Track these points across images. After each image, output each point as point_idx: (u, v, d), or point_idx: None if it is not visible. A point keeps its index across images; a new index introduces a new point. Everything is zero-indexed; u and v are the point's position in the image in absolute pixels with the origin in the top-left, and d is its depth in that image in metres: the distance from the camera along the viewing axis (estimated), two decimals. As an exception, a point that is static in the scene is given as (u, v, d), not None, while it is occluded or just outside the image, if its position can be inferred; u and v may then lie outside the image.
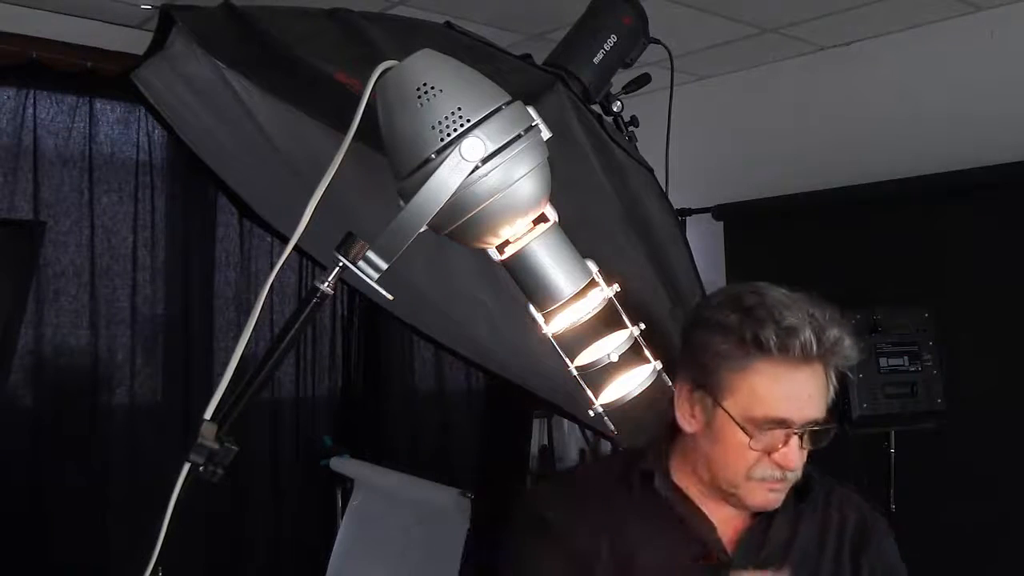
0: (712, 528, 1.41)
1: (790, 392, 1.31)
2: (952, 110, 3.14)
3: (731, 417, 1.32)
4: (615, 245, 1.61)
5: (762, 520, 1.42)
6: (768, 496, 1.36)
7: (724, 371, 1.32)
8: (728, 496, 1.38)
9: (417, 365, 4.07)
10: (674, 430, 1.46)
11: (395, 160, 1.07)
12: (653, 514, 1.41)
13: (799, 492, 1.43)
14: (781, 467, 1.33)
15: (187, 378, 3.45)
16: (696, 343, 1.35)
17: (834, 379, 1.36)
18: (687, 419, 1.38)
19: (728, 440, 1.33)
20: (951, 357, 2.74)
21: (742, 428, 1.31)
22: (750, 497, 1.36)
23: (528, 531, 1.46)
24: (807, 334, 1.29)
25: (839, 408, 2.66)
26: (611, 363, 1.15)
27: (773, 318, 1.30)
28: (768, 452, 1.32)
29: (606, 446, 3.79)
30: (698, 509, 1.42)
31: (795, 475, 1.35)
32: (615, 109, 1.98)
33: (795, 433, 1.31)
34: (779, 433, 1.31)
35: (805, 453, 1.34)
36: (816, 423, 1.33)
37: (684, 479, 1.44)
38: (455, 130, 1.02)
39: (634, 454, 1.50)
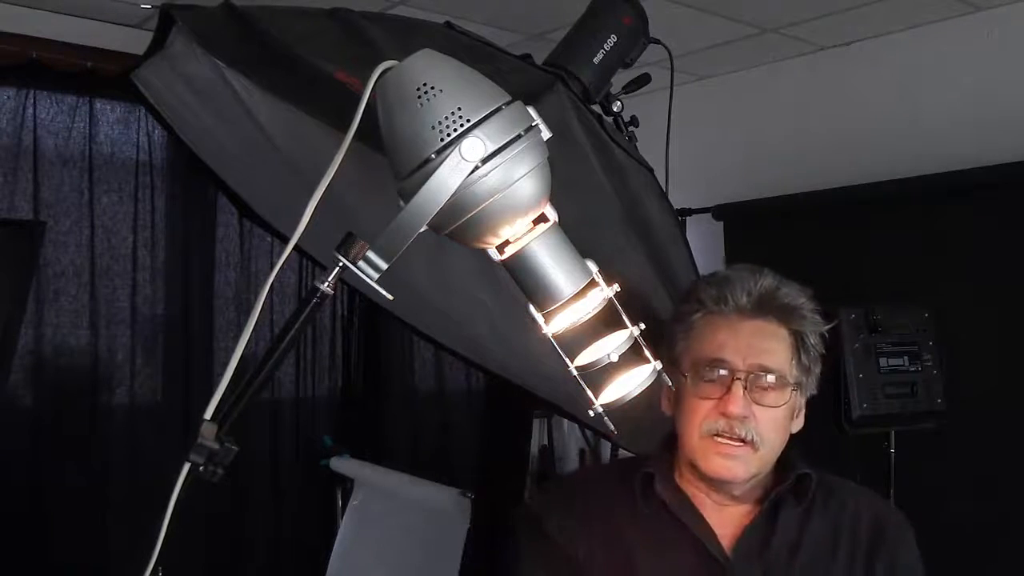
0: (711, 532, 1.40)
1: (728, 338, 1.38)
2: (952, 110, 3.14)
3: (682, 373, 1.39)
4: (615, 245, 1.61)
5: (765, 522, 1.41)
6: (722, 462, 1.37)
7: (679, 336, 1.43)
8: (695, 471, 1.41)
9: (417, 365, 4.07)
10: (675, 435, 1.46)
11: (395, 160, 1.07)
12: (654, 518, 1.42)
13: (801, 492, 1.43)
14: (724, 415, 1.35)
15: (187, 378, 3.45)
16: (668, 332, 1.45)
17: (812, 346, 1.41)
18: (667, 405, 1.45)
19: (685, 400, 1.39)
20: (951, 357, 2.74)
21: (686, 377, 1.38)
22: (705, 462, 1.38)
23: (528, 542, 1.48)
24: (740, 286, 1.40)
25: (839, 408, 2.68)
26: (611, 363, 1.15)
27: (715, 279, 1.44)
28: (707, 398, 1.37)
29: (606, 446, 3.79)
30: (698, 512, 1.42)
31: (746, 431, 1.36)
32: (615, 109, 1.98)
33: (737, 378, 1.35)
34: (722, 380, 1.36)
35: (751, 404, 1.36)
36: (765, 371, 1.37)
37: (686, 482, 1.45)
38: (455, 130, 1.02)
39: (638, 460, 1.52)
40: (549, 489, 1.55)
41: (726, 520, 1.43)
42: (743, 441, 1.36)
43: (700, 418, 1.37)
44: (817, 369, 1.45)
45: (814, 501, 1.44)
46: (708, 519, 1.42)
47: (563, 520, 1.44)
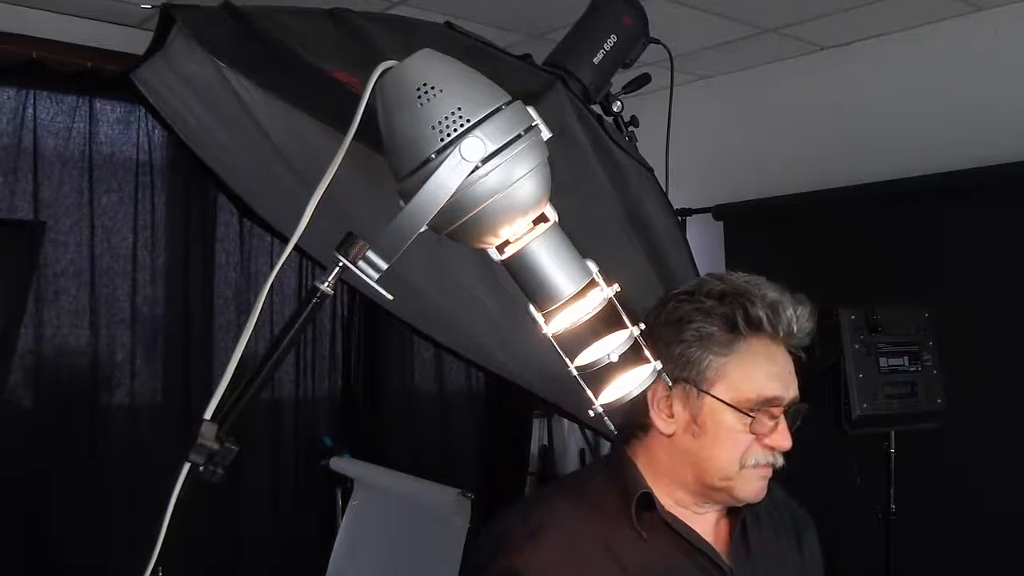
0: (707, 543, 1.36)
1: (779, 370, 1.30)
2: (952, 110, 3.14)
3: (724, 402, 1.28)
4: (615, 245, 1.61)
5: (737, 525, 1.39)
6: (759, 485, 1.32)
7: (710, 356, 1.29)
8: (716, 492, 1.33)
9: (417, 365, 4.06)
10: (637, 444, 1.38)
11: (395, 160, 1.07)
12: (653, 539, 1.33)
13: None
14: (774, 448, 1.30)
15: (187, 378, 3.45)
16: (669, 338, 1.31)
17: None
18: (663, 420, 1.32)
19: (719, 429, 1.29)
20: (951, 357, 2.75)
21: (739, 411, 1.28)
22: (743, 488, 1.31)
23: None
24: (791, 310, 1.30)
25: (839, 408, 2.68)
26: (611, 363, 1.15)
27: (757, 295, 1.29)
28: (759, 434, 1.29)
29: (606, 446, 3.79)
30: (690, 527, 1.36)
31: (781, 458, 1.33)
32: (615, 109, 1.98)
33: (785, 412, 1.30)
34: (768, 414, 1.29)
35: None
36: (795, 402, 1.31)
37: (661, 493, 1.36)
38: (455, 130, 1.02)
39: (590, 481, 1.41)
40: (513, 526, 1.33)
41: (705, 527, 1.38)
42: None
43: (743, 450, 1.29)
44: None
45: None
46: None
47: (536, 563, 1.28)
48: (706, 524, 1.38)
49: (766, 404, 1.28)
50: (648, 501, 1.33)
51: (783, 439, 1.29)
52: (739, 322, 1.28)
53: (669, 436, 1.33)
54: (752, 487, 1.32)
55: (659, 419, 1.33)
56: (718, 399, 1.29)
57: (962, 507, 2.91)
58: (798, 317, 1.30)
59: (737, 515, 1.40)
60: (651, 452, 1.36)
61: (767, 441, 1.29)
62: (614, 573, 1.30)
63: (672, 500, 1.36)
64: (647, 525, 1.32)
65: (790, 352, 1.33)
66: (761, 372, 1.29)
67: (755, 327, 1.28)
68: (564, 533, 1.32)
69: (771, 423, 1.29)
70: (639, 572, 1.30)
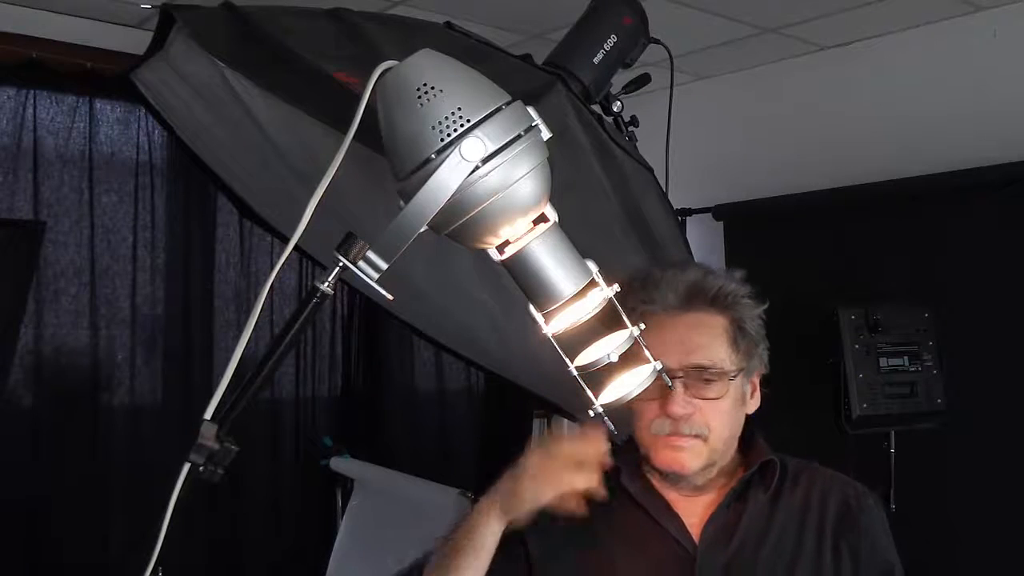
0: (679, 522, 1.42)
1: (661, 339, 1.35)
2: (952, 110, 3.14)
3: None
4: (615, 245, 1.61)
5: (732, 509, 1.43)
6: (671, 454, 1.39)
7: None
8: (648, 464, 1.43)
9: (417, 365, 4.06)
10: None
11: (395, 160, 1.07)
12: (624, 511, 1.43)
13: (767, 478, 1.45)
14: (668, 415, 1.37)
15: (187, 378, 3.45)
16: None
17: (749, 329, 1.42)
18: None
19: (632, 403, 1.36)
20: (951, 357, 2.75)
21: None
22: (657, 457, 1.40)
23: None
24: (665, 283, 1.40)
25: (839, 408, 2.69)
26: (611, 363, 1.15)
27: (640, 280, 1.42)
28: (650, 400, 1.37)
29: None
30: (665, 502, 1.44)
31: (691, 428, 1.37)
32: (615, 109, 1.98)
33: (676, 378, 1.35)
34: (659, 381, 1.33)
35: (692, 400, 1.37)
36: (701, 368, 1.37)
37: (652, 475, 1.46)
38: (455, 130, 1.02)
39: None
40: None
41: (694, 509, 1.44)
42: (691, 436, 1.38)
43: (648, 420, 1.40)
44: (762, 348, 1.46)
45: (782, 487, 1.45)
46: (677, 509, 1.44)
47: (525, 527, 1.40)
48: (695, 504, 1.44)
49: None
50: (618, 474, 1.42)
51: (670, 405, 1.37)
52: (628, 308, 1.35)
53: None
54: (663, 455, 1.40)
55: None
56: None
57: (962, 507, 2.91)
58: (676, 284, 1.40)
59: (745, 500, 1.42)
60: None
61: (662, 407, 1.37)
62: (583, 527, 1.38)
63: (661, 482, 1.45)
64: (618, 496, 1.42)
65: (729, 319, 1.41)
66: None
67: (634, 308, 1.35)
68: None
69: (655, 388, 1.33)
70: (607, 532, 1.41)
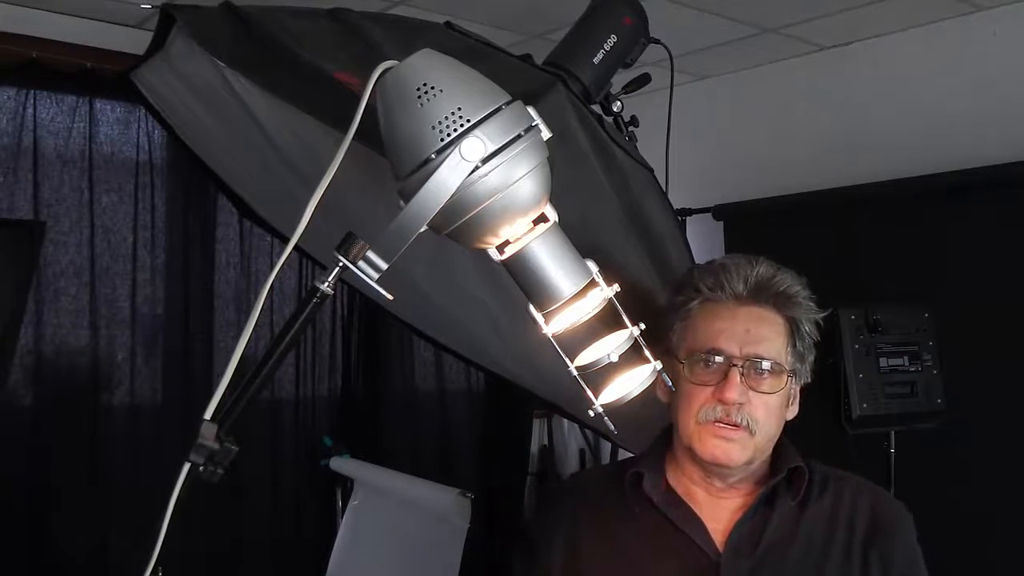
0: (703, 527, 1.41)
1: (725, 326, 1.40)
2: (952, 110, 3.14)
3: (679, 360, 1.41)
4: (615, 245, 1.61)
5: (758, 516, 1.42)
6: (717, 444, 1.38)
7: (677, 324, 1.45)
8: (692, 457, 1.42)
9: (417, 365, 4.06)
10: (669, 432, 1.48)
11: (395, 160, 1.07)
12: (646, 517, 1.43)
13: (795, 485, 1.44)
14: (721, 401, 1.37)
15: (187, 378, 3.44)
16: (663, 321, 1.45)
17: (807, 333, 1.44)
18: (663, 392, 1.44)
19: (682, 387, 1.40)
20: (951, 357, 2.74)
21: (683, 364, 1.39)
22: (701, 446, 1.39)
23: (515, 549, 1.52)
24: (736, 273, 1.42)
25: (839, 408, 2.68)
26: (611, 363, 1.15)
27: (711, 267, 1.45)
28: (700, 384, 1.39)
29: (606, 446, 3.79)
30: (689, 508, 1.43)
31: (742, 418, 1.38)
32: (615, 109, 1.98)
33: (734, 365, 1.37)
34: (719, 367, 1.38)
35: (748, 390, 1.38)
36: (760, 360, 1.38)
37: (677, 479, 1.46)
38: (455, 130, 1.02)
39: (634, 459, 1.52)
40: (541, 499, 1.55)
41: (720, 515, 1.43)
42: (738, 426, 1.38)
43: (697, 405, 1.39)
44: (811, 357, 1.47)
45: (810, 494, 1.45)
46: (701, 514, 1.43)
47: (542, 527, 1.46)
48: (721, 509, 1.43)
49: (708, 355, 1.39)
50: (640, 479, 1.44)
51: (726, 391, 1.37)
52: (691, 291, 1.43)
53: (668, 406, 1.45)
54: (708, 445, 1.39)
55: (660, 394, 1.46)
56: (679, 361, 1.41)
57: (962, 507, 2.91)
58: (746, 275, 1.42)
59: (772, 507, 1.42)
60: (673, 433, 1.47)
61: (716, 393, 1.38)
62: (604, 534, 1.43)
63: (687, 478, 1.46)
64: (642, 503, 1.44)
65: (788, 319, 1.43)
66: (705, 328, 1.41)
67: (699, 292, 1.43)
68: (575, 497, 1.51)
69: (712, 374, 1.38)
70: (629, 538, 1.42)
